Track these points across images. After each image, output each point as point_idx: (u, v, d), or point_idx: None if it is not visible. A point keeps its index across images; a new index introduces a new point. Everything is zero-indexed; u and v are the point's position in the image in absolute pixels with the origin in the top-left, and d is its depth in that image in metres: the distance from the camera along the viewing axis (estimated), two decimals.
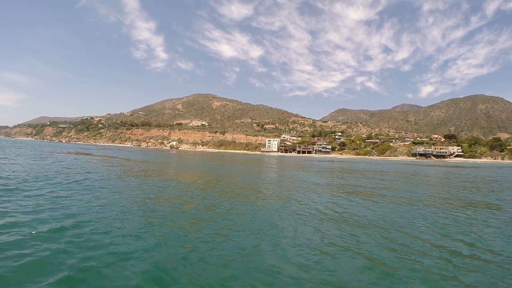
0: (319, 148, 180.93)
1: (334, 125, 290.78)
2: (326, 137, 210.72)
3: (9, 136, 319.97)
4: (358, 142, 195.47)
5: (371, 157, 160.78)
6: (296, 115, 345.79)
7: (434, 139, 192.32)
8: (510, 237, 11.09)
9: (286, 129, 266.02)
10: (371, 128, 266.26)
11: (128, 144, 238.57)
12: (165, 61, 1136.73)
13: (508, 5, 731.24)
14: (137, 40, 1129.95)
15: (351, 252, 8.80)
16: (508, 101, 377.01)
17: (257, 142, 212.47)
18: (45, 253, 7.49)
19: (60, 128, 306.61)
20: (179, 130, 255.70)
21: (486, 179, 38.57)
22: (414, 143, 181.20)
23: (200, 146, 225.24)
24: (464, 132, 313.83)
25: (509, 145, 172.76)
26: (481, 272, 7.72)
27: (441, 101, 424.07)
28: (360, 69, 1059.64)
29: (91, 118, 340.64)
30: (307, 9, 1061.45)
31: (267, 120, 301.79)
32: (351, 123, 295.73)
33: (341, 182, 28.62)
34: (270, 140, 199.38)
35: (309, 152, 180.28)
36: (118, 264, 7.14)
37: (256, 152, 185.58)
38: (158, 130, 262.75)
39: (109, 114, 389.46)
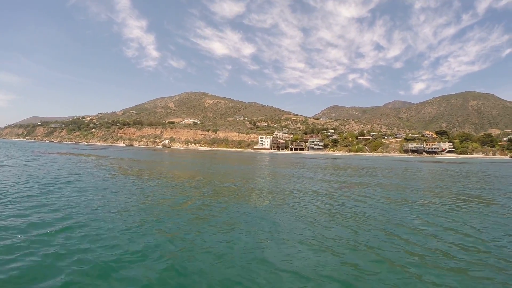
0: (312, 145, 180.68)
1: (327, 122, 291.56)
2: (318, 134, 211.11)
3: (0, 137, 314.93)
4: (350, 139, 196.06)
5: (363, 153, 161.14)
6: (289, 113, 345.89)
7: (425, 136, 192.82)
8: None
9: (279, 127, 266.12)
10: (363, 125, 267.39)
11: (120, 144, 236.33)
12: (156, 60, 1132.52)
13: (499, 3, 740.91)
14: (129, 38, 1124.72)
15: (352, 247, 8.64)
16: (499, 98, 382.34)
17: (249, 139, 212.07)
18: (39, 258, 7.14)
19: (52, 128, 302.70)
20: (171, 128, 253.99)
21: (479, 174, 38.42)
22: (406, 139, 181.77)
23: (193, 144, 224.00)
24: (455, 128, 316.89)
25: (500, 141, 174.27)
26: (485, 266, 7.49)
27: (433, 98, 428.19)
28: (352, 66, 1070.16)
29: (83, 117, 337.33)
30: (299, 6, 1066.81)
31: (259, 118, 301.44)
32: (343, 120, 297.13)
33: (335, 178, 28.08)
34: (262, 138, 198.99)
35: (302, 149, 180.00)
36: (115, 268, 6.85)
37: (249, 149, 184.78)
38: (150, 129, 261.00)
39: (101, 113, 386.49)
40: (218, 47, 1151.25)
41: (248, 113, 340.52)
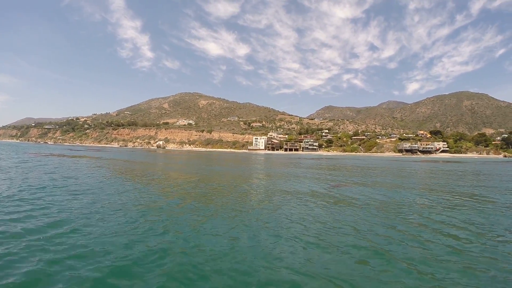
0: (306, 146, 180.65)
1: (321, 122, 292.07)
2: (313, 135, 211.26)
3: None
4: (345, 139, 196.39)
5: (358, 153, 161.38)
6: (283, 113, 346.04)
7: (420, 135, 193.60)
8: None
9: (273, 127, 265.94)
10: (358, 125, 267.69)
11: (115, 145, 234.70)
12: (151, 60, 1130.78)
13: (493, 4, 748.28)
14: (123, 39, 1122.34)
15: (351, 244, 8.57)
16: (493, 98, 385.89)
17: (244, 140, 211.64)
18: (37, 264, 6.77)
19: (46, 129, 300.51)
20: (165, 129, 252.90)
21: (474, 173, 38.57)
22: (400, 139, 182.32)
23: (187, 145, 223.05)
24: (449, 128, 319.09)
25: (494, 140, 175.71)
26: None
27: (427, 98, 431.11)
28: (346, 66, 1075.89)
29: (77, 118, 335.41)
30: (293, 7, 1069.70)
31: (254, 118, 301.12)
32: (338, 120, 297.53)
33: (331, 178, 28.04)
34: (257, 138, 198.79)
35: (296, 150, 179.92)
36: (112, 271, 6.62)
37: (243, 150, 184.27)
38: (145, 129, 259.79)
39: (95, 114, 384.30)
40: (212, 48, 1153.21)
41: (242, 114, 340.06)
